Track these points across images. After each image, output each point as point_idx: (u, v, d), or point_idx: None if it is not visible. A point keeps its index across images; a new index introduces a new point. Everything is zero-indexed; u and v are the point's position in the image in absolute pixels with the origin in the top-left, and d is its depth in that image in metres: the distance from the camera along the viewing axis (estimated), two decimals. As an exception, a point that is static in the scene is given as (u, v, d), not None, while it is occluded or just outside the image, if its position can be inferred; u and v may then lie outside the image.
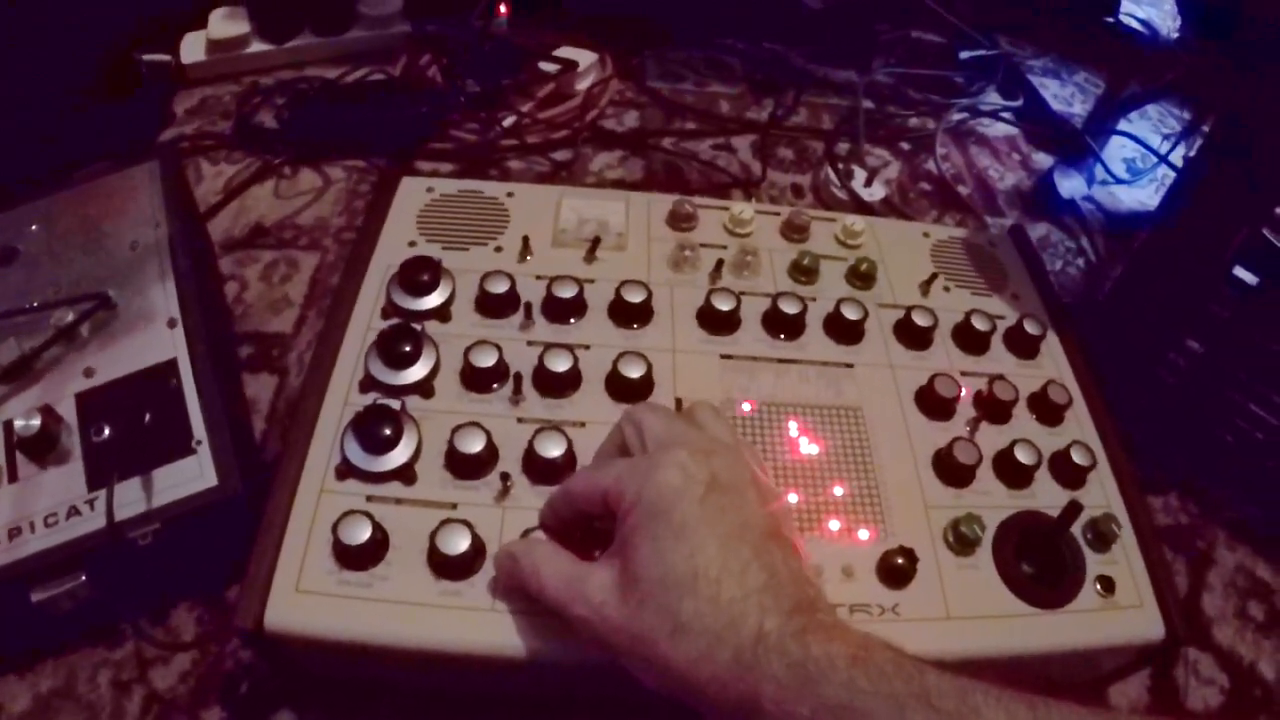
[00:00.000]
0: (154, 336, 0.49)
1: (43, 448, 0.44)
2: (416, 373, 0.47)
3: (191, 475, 0.44)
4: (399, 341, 0.47)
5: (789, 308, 0.52)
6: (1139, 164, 0.91)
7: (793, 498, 0.45)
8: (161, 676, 0.46)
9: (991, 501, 0.47)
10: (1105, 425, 0.51)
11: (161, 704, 0.45)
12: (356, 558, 0.40)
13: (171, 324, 0.50)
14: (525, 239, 0.54)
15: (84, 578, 0.42)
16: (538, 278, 0.52)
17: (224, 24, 0.85)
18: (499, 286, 0.50)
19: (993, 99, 0.96)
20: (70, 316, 0.49)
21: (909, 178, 0.86)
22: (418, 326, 0.48)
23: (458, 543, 0.39)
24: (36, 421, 0.44)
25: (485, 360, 0.46)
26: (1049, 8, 1.03)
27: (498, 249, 0.55)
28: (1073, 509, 0.44)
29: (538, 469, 0.44)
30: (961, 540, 0.44)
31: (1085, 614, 0.43)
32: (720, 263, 0.55)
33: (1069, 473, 0.48)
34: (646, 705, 0.34)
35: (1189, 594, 0.56)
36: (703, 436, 0.38)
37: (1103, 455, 0.50)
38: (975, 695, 0.28)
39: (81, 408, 0.46)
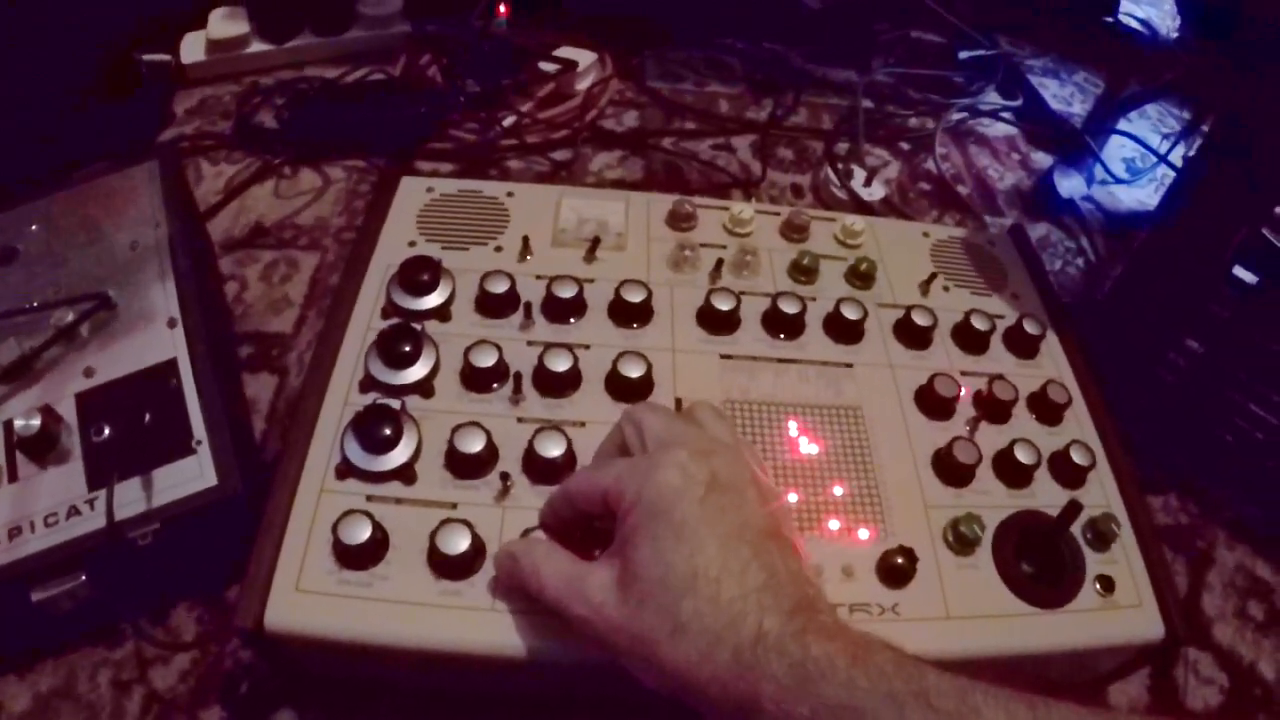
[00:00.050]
0: (154, 336, 0.49)
1: (43, 447, 0.44)
2: (416, 372, 0.47)
3: (191, 475, 0.44)
4: (399, 341, 0.47)
5: (789, 307, 0.52)
6: (1138, 164, 0.91)
7: (792, 497, 0.45)
8: (161, 676, 0.46)
9: (991, 501, 0.47)
10: (1105, 425, 0.51)
11: (161, 704, 0.45)
12: (356, 557, 0.40)
13: (171, 324, 0.50)
14: (525, 239, 0.54)
15: (84, 577, 0.42)
16: (538, 277, 0.52)
17: (224, 24, 0.85)
18: (499, 286, 0.50)
19: (992, 99, 0.96)
20: (70, 316, 0.50)
21: (908, 177, 0.86)
22: (418, 326, 0.48)
23: (458, 542, 0.40)
24: (36, 421, 0.44)
25: (485, 360, 0.46)
26: (1048, 8, 1.03)
27: (498, 249, 0.55)
28: (1072, 508, 0.44)
29: (538, 469, 0.44)
30: (961, 540, 0.44)
31: (1085, 614, 0.43)
32: (720, 262, 0.55)
33: (1068, 472, 0.48)
34: (646, 705, 0.34)
35: (1189, 594, 0.56)
36: (703, 436, 0.38)
37: (1102, 455, 0.50)
38: (975, 695, 0.29)
39: (81, 408, 0.46)
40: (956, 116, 0.94)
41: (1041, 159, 0.90)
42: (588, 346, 0.49)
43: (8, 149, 0.66)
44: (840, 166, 0.84)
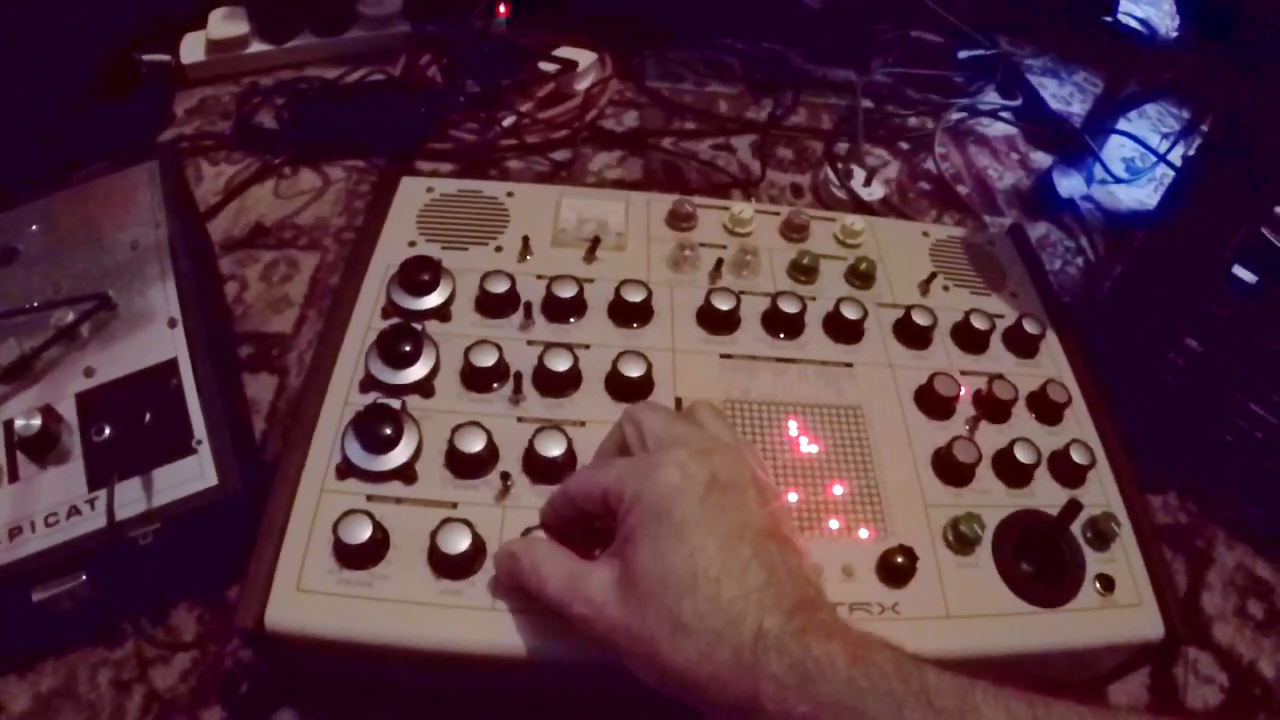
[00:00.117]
0: (154, 336, 0.49)
1: (43, 447, 0.44)
2: (417, 372, 0.47)
3: (192, 475, 0.44)
4: (399, 341, 0.47)
5: (788, 307, 0.52)
6: (1138, 163, 0.91)
7: (792, 497, 0.45)
8: (162, 676, 0.46)
9: (991, 500, 0.47)
10: (1104, 424, 0.51)
11: (162, 704, 0.45)
12: (357, 557, 0.40)
13: (172, 324, 0.50)
14: (525, 239, 0.54)
15: (84, 577, 0.42)
16: (538, 277, 0.52)
17: (224, 24, 0.85)
18: (499, 286, 0.50)
19: (992, 98, 0.96)
20: (70, 316, 0.50)
21: (908, 177, 0.86)
22: (418, 326, 0.48)
23: (458, 542, 0.40)
24: (37, 421, 0.44)
25: (485, 360, 0.46)
26: (1048, 7, 1.04)
27: (498, 249, 0.55)
28: (1072, 508, 0.44)
29: (538, 468, 0.44)
30: (961, 539, 0.44)
31: (1085, 613, 0.43)
32: (720, 262, 0.55)
33: (1068, 472, 0.48)
34: (646, 704, 0.34)
35: (1188, 593, 0.56)
36: (703, 436, 0.38)
37: (1102, 454, 0.50)
38: (975, 693, 0.29)
39: (82, 407, 0.46)
40: (956, 116, 0.94)
41: (1041, 159, 0.91)
42: (588, 346, 0.49)
43: (8, 149, 0.66)
44: (840, 166, 0.84)
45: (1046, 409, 0.51)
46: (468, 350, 0.47)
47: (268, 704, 0.45)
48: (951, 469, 0.47)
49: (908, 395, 0.51)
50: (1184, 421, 0.61)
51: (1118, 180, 0.88)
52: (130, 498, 0.43)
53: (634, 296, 0.51)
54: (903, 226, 0.64)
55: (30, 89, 0.70)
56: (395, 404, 0.45)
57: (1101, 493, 0.48)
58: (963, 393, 0.50)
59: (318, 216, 0.73)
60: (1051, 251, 0.80)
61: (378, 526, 0.40)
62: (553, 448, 0.43)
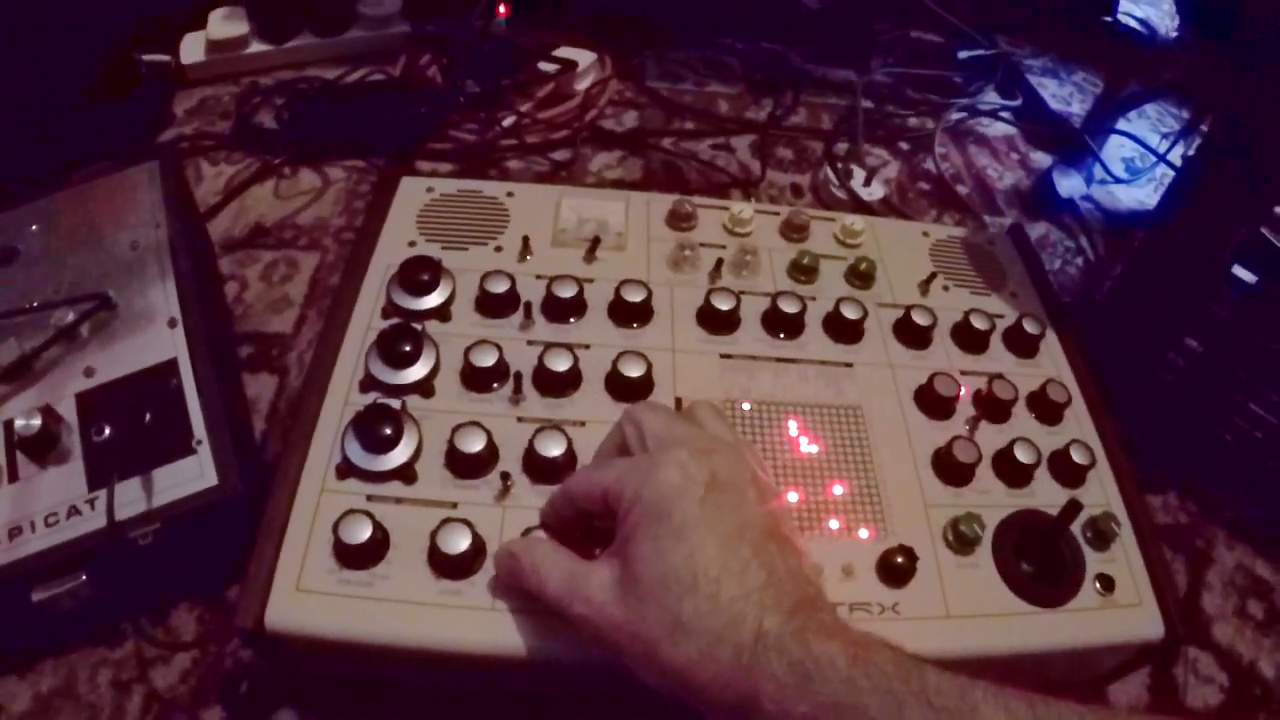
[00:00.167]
0: (154, 336, 0.49)
1: (43, 447, 0.44)
2: (417, 372, 0.47)
3: (192, 475, 0.44)
4: (399, 341, 0.47)
5: (788, 307, 0.52)
6: (1138, 163, 0.91)
7: (792, 496, 0.45)
8: (162, 676, 0.46)
9: (991, 500, 0.47)
10: (1104, 424, 0.51)
11: (162, 704, 0.45)
12: (357, 557, 0.40)
13: (172, 324, 0.50)
14: (525, 239, 0.54)
15: (84, 577, 0.42)
16: (538, 277, 0.52)
17: (223, 24, 0.85)
18: (499, 286, 0.50)
19: (991, 98, 0.96)
20: (70, 316, 0.50)
21: (908, 177, 0.86)
22: (418, 326, 0.48)
23: (458, 542, 0.40)
24: (37, 421, 0.44)
25: (485, 360, 0.46)
26: (1048, 7, 1.04)
27: (497, 249, 0.55)
28: (1072, 508, 0.44)
29: (538, 468, 0.44)
30: (961, 539, 0.44)
31: (1085, 613, 0.43)
32: (720, 262, 0.55)
33: (1068, 471, 0.48)
34: (646, 704, 0.34)
35: (1188, 593, 0.56)
36: (703, 435, 0.38)
37: (1102, 454, 0.50)
38: (974, 693, 0.29)
39: (82, 407, 0.46)
40: (956, 116, 0.94)
41: (1041, 159, 0.91)
42: (588, 346, 0.49)
43: (8, 149, 0.66)
44: (840, 166, 0.84)
45: (1046, 409, 0.51)
46: (468, 350, 0.47)
47: (268, 704, 0.45)
48: (951, 469, 0.47)
49: (908, 395, 0.51)
50: (1184, 421, 0.61)
51: (1117, 180, 0.88)
52: (130, 498, 0.43)
53: (634, 296, 0.51)
54: (903, 226, 0.64)
55: (30, 89, 0.70)
56: (395, 404, 0.45)
57: (1101, 493, 0.48)
58: (963, 393, 0.50)
59: (318, 216, 0.73)
60: (1051, 251, 0.80)
61: (378, 526, 0.40)
62: (553, 448, 0.43)
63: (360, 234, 0.56)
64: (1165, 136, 0.90)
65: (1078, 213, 0.83)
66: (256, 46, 0.86)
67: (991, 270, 0.60)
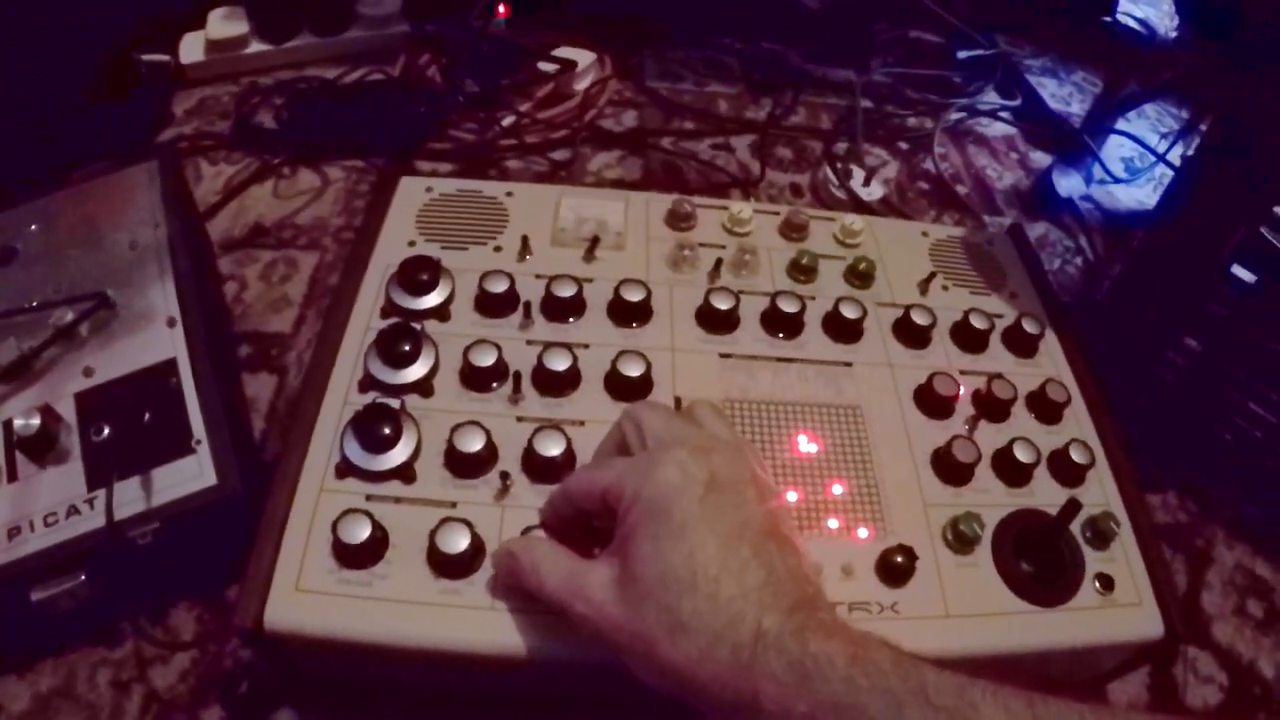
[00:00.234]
0: (153, 336, 0.49)
1: (42, 447, 0.44)
2: (416, 372, 0.47)
3: (191, 474, 0.44)
4: (398, 340, 0.47)
5: (788, 307, 0.52)
6: (1137, 163, 0.91)
7: (792, 496, 0.45)
8: (161, 676, 0.46)
9: (990, 500, 0.47)
10: (1104, 423, 0.51)
11: (161, 703, 0.45)
12: (356, 556, 0.40)
13: (171, 323, 0.50)
14: (524, 238, 0.54)
15: (83, 577, 0.42)
16: (537, 277, 0.52)
17: (223, 24, 0.85)
18: (498, 286, 0.50)
19: (991, 98, 0.96)
20: (70, 316, 0.50)
21: (907, 177, 0.86)
22: (417, 326, 0.48)
23: (457, 541, 0.40)
24: (36, 421, 0.44)
25: (484, 359, 0.46)
26: (1047, 7, 1.04)
27: (497, 248, 0.55)
28: (1071, 507, 0.44)
29: (537, 468, 0.44)
30: (960, 538, 0.44)
31: (1084, 612, 0.43)
32: (719, 262, 0.55)
33: (1068, 471, 0.48)
34: (646, 704, 0.34)
35: (1188, 592, 0.56)
36: (702, 435, 0.38)
37: (1101, 453, 0.50)
38: (973, 692, 0.29)
39: (81, 407, 0.46)
40: (955, 116, 0.94)
41: (1040, 158, 0.91)
42: (587, 346, 0.49)
43: (8, 149, 0.66)
44: (839, 166, 0.84)
45: (1046, 408, 0.51)
46: (467, 350, 0.47)
47: (267, 704, 0.45)
48: (951, 468, 0.47)
49: (907, 395, 0.51)
50: (1183, 421, 0.61)
51: (1117, 180, 0.88)
52: (129, 497, 0.43)
53: (633, 296, 0.51)
54: (902, 226, 0.64)
55: (30, 89, 0.70)
56: (394, 403, 0.45)
57: (1101, 492, 0.48)
58: (962, 392, 0.50)
59: (317, 216, 0.73)
60: (1050, 251, 0.80)
61: (377, 526, 0.40)
62: (552, 447, 0.43)
63: (359, 234, 0.56)
64: (1164, 136, 0.90)
65: (1077, 212, 0.83)
66: (256, 46, 0.86)
67: (991, 270, 0.60)
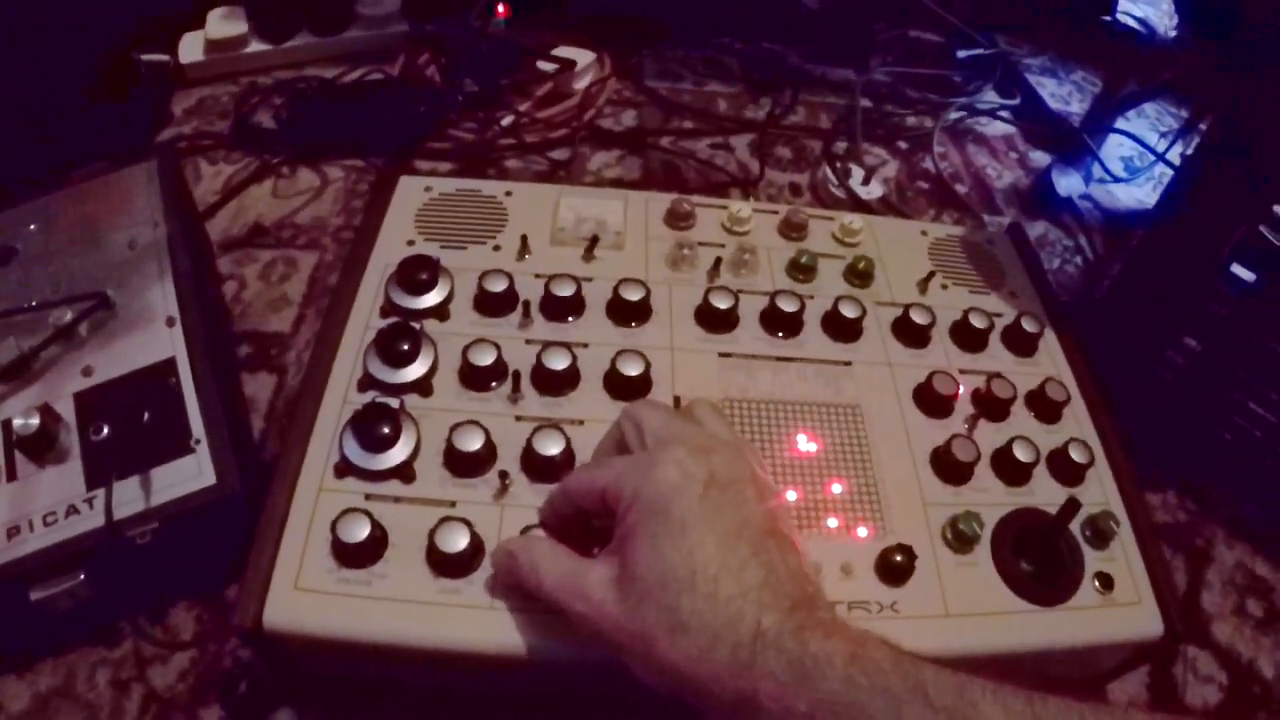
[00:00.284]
0: (153, 335, 0.49)
1: (41, 447, 0.44)
2: (415, 371, 0.47)
3: (190, 474, 0.44)
4: (397, 340, 0.47)
5: (787, 306, 0.52)
6: (1137, 162, 0.91)
7: (791, 495, 0.45)
8: (160, 675, 0.46)
9: (990, 499, 0.47)
10: (1103, 423, 0.51)
11: (160, 703, 0.45)
12: (355, 556, 0.40)
13: (170, 323, 0.50)
14: (523, 238, 0.54)
15: (83, 577, 0.42)
16: (536, 276, 0.52)
17: (222, 24, 0.85)
18: (497, 285, 0.50)
19: (990, 98, 0.96)
20: (69, 316, 0.50)
21: (907, 176, 0.86)
22: (416, 325, 0.48)
23: (456, 541, 0.39)
24: (35, 420, 0.44)
25: (484, 358, 0.46)
26: (1047, 7, 1.04)
27: (496, 248, 0.55)
28: (1071, 506, 0.44)
29: (536, 467, 0.44)
30: (960, 537, 0.44)
31: (1084, 611, 0.43)
32: (718, 261, 0.55)
33: (1067, 470, 0.48)
34: (645, 703, 0.34)
35: (1188, 591, 0.56)
36: (701, 434, 0.38)
37: (1101, 453, 0.50)
38: (973, 690, 0.29)
39: (80, 407, 0.46)
40: (954, 115, 0.94)
41: (1040, 158, 0.91)
42: (586, 345, 0.49)
43: (8, 149, 0.66)
44: (838, 165, 0.84)
45: (1045, 407, 0.51)
46: (466, 349, 0.47)
47: (266, 703, 0.45)
48: (950, 467, 0.47)
49: (906, 394, 0.51)
50: (1183, 420, 0.61)
51: (1116, 179, 0.88)
52: (128, 497, 0.43)
53: (632, 295, 0.51)
54: (901, 225, 0.64)
55: (30, 89, 0.70)
56: (393, 403, 0.45)
57: (1100, 491, 0.48)
58: (961, 391, 0.50)
59: (316, 216, 0.73)
60: (1050, 250, 0.80)
61: (376, 525, 0.40)
62: (551, 446, 0.43)
63: (359, 233, 0.56)
64: (1164, 135, 0.90)
65: (1076, 212, 0.83)
66: (255, 46, 0.86)
67: (990, 269, 0.60)
